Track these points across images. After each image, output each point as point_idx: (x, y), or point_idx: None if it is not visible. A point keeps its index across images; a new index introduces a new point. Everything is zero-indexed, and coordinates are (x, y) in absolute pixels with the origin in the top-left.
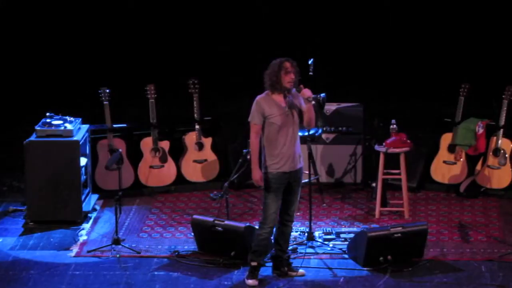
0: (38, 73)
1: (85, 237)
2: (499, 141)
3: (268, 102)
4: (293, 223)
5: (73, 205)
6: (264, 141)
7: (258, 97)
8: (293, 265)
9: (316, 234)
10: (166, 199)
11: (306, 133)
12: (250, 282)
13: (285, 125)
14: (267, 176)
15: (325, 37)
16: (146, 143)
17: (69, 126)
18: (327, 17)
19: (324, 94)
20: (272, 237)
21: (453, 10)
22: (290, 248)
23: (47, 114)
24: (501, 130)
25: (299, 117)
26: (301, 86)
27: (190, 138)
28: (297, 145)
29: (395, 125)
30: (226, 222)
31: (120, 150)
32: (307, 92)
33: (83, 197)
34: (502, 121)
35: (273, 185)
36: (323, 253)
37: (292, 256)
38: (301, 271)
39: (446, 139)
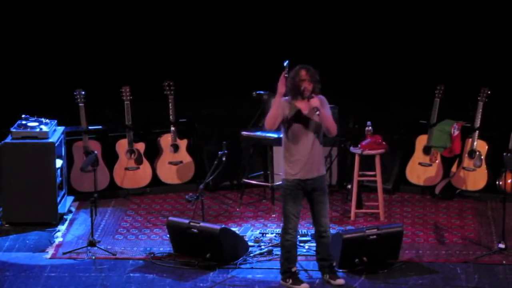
0: (13, 75)
1: (60, 239)
2: (475, 143)
3: (290, 106)
4: (328, 232)
5: (48, 207)
6: (283, 146)
7: (283, 98)
8: (275, 267)
9: None
10: (141, 201)
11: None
12: (304, 286)
13: (303, 132)
14: (284, 183)
15: (299, 38)
16: (122, 145)
17: (44, 128)
18: (302, 18)
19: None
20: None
21: (428, 12)
22: (265, 250)
23: (23, 116)
24: (476, 132)
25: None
26: (313, 95)
27: (166, 140)
28: (318, 153)
29: (370, 127)
30: (202, 223)
31: (96, 152)
32: (313, 102)
33: (58, 199)
34: (477, 123)
35: (290, 192)
36: (299, 255)
37: (267, 258)
38: (339, 280)
39: (421, 141)
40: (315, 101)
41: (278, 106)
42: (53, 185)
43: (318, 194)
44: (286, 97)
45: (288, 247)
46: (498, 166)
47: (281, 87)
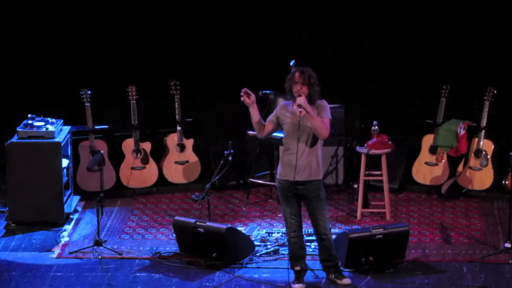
0: (20, 75)
1: (66, 239)
2: (481, 142)
3: (286, 108)
4: (328, 235)
5: (54, 206)
6: None
7: (283, 102)
8: (281, 266)
9: None
10: (147, 201)
11: None
12: (297, 286)
13: (295, 133)
14: (278, 183)
15: (306, 39)
16: (128, 145)
17: (50, 128)
18: (308, 18)
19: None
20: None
21: (434, 12)
22: (271, 249)
23: (29, 115)
24: (483, 131)
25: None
26: (301, 94)
27: (172, 140)
28: (311, 157)
29: (376, 127)
30: (208, 223)
31: (102, 151)
32: (298, 100)
33: (64, 198)
34: (483, 122)
35: (281, 193)
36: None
37: (273, 258)
38: (345, 280)
39: (427, 140)
40: (300, 99)
41: (253, 116)
42: (59, 185)
43: (313, 201)
44: (287, 101)
45: (291, 246)
46: (504, 165)
47: (245, 100)
